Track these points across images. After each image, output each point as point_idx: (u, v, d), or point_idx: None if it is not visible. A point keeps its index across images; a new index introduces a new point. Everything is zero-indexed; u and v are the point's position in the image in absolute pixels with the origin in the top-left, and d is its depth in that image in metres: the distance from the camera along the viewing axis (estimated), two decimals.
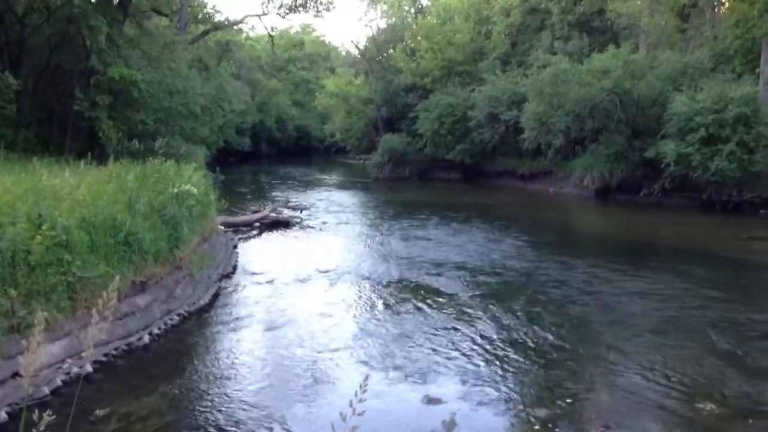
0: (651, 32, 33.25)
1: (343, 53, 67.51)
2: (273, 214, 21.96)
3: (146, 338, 9.37)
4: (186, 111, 21.37)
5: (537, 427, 6.97)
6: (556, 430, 6.92)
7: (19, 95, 17.93)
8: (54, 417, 2.18)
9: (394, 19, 53.85)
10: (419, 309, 11.59)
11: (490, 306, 11.73)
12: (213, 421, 7.07)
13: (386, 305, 11.93)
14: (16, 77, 17.40)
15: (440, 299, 12.24)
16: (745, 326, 10.72)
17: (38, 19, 19.88)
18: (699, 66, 28.20)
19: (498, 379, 8.29)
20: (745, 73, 26.83)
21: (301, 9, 33.25)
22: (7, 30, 19.34)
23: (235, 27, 38.12)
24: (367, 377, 2.33)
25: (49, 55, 19.80)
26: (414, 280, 13.85)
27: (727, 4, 32.62)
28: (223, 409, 7.37)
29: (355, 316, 11.19)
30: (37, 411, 2.29)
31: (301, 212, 24.49)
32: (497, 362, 8.86)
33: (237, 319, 10.95)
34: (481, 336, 10.01)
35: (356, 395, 2.23)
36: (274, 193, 32.11)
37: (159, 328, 9.83)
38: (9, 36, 19.38)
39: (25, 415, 2.17)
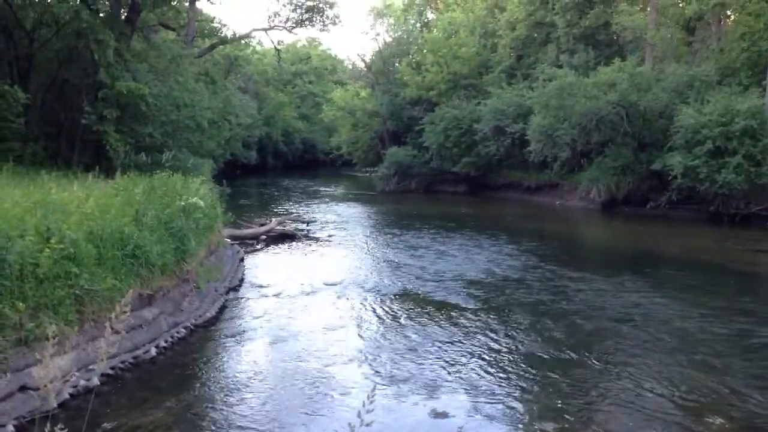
0: (657, 45, 33.28)
1: (350, 67, 67.69)
2: (279, 227, 22.00)
3: (153, 351, 9.36)
4: (193, 124, 21.48)
5: None
6: None
7: (28, 109, 18.05)
8: (65, 430, 2.18)
9: (399, 33, 54.07)
10: (425, 322, 11.57)
11: (497, 319, 11.70)
12: None
13: (392, 318, 11.90)
14: (24, 91, 17.52)
15: (446, 312, 12.21)
16: (754, 340, 10.66)
17: (47, 34, 20.02)
18: (705, 79, 28.19)
19: (505, 392, 8.25)
20: (751, 86, 26.80)
21: (307, 23, 33.48)
22: (16, 44, 19.49)
23: (242, 41, 38.34)
24: (374, 388, 2.32)
25: (57, 69, 19.93)
26: (420, 293, 13.84)
27: (733, 17, 32.65)
28: (229, 422, 7.36)
29: (361, 329, 11.17)
30: (48, 425, 2.29)
31: (307, 225, 24.52)
32: (504, 375, 8.83)
33: (244, 332, 10.95)
34: (488, 349, 9.98)
35: (364, 405, 2.22)
36: (280, 206, 32.18)
37: (166, 341, 9.84)
38: (18, 50, 19.52)
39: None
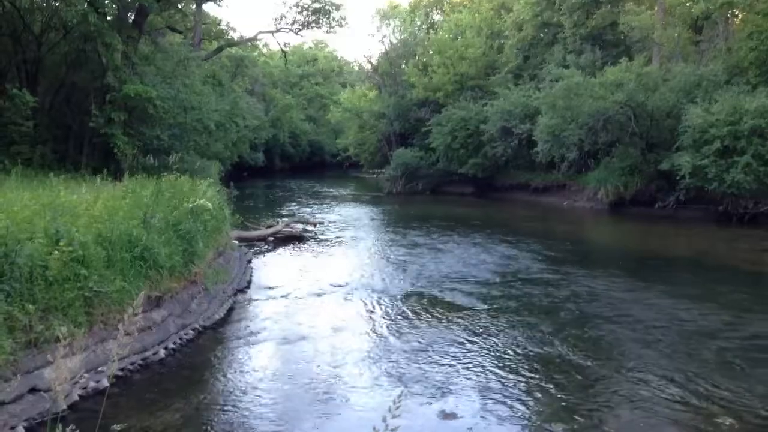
0: (664, 45, 33.19)
1: (356, 68, 67.79)
2: (287, 229, 22.01)
3: (162, 353, 9.39)
4: (200, 126, 21.52)
5: None
6: None
7: (36, 112, 18.14)
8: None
9: (406, 35, 54.09)
10: (434, 323, 11.56)
11: (506, 320, 11.68)
12: None
13: (401, 319, 11.89)
14: (33, 94, 17.61)
15: (455, 313, 12.19)
16: (764, 341, 10.60)
17: (55, 38, 20.12)
18: (713, 78, 28.08)
19: (515, 394, 8.23)
20: (759, 85, 26.66)
21: (313, 25, 33.55)
22: (24, 48, 19.59)
23: (249, 44, 38.44)
24: (401, 394, 2.30)
25: (65, 73, 20.02)
26: (428, 294, 13.82)
27: (740, 16, 32.52)
28: (239, 424, 7.36)
29: (369, 331, 11.16)
30: (60, 426, 2.29)
31: (314, 226, 24.53)
32: (514, 377, 8.81)
33: (252, 333, 10.96)
34: (497, 350, 9.96)
35: (390, 411, 2.20)
36: (287, 208, 32.22)
37: (174, 343, 9.86)
38: (26, 54, 19.63)
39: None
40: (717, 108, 24.94)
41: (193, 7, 29.05)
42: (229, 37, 35.39)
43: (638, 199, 29.14)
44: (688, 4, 36.27)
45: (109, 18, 20.33)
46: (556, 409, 7.80)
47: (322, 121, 70.50)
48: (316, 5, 32.77)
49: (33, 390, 7.03)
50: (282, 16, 33.38)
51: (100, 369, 8.04)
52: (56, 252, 7.79)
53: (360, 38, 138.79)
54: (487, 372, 8.98)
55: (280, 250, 19.96)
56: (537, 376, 8.86)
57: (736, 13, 32.70)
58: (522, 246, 20.12)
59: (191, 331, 10.52)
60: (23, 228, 7.93)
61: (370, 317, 12.07)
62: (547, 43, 42.11)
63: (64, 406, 7.20)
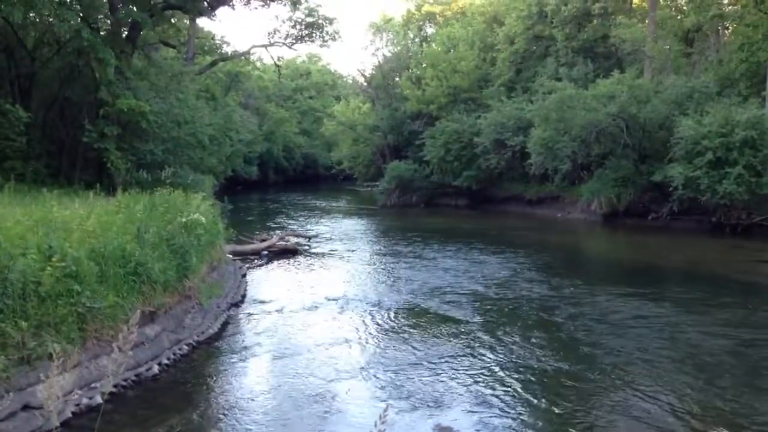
0: (655, 57, 33.37)
1: (350, 81, 67.96)
2: (281, 242, 21.97)
3: (155, 368, 9.33)
4: (194, 141, 21.51)
5: None
6: None
7: (29, 127, 18.10)
8: None
9: (399, 48, 54.28)
10: (428, 336, 11.53)
11: (500, 333, 11.66)
12: None
13: (395, 333, 11.87)
14: (26, 110, 17.59)
15: (449, 326, 12.17)
16: (757, 352, 10.62)
17: (48, 53, 20.14)
18: (704, 90, 28.24)
19: (509, 407, 8.21)
20: (750, 97, 26.87)
21: (307, 39, 33.66)
22: (17, 63, 19.60)
23: (243, 58, 38.58)
24: (386, 408, 2.29)
25: (58, 88, 20.01)
26: (423, 307, 13.80)
27: (731, 29, 32.77)
28: None
29: (364, 344, 11.13)
30: None
31: (309, 240, 24.50)
32: (508, 390, 8.78)
33: (246, 348, 10.91)
34: (492, 363, 9.94)
35: (376, 426, 2.19)
36: (281, 221, 32.17)
37: (168, 358, 9.80)
38: (19, 69, 19.63)
39: None
40: (709, 119, 25.09)
41: (187, 21, 29.09)
42: (222, 51, 35.48)
43: (632, 210, 29.22)
44: (679, 17, 36.63)
45: (102, 33, 20.37)
46: (551, 423, 7.79)
47: (316, 135, 70.53)
48: (310, 19, 32.90)
49: (26, 407, 6.97)
50: (275, 30, 33.52)
51: (93, 385, 7.98)
52: (49, 268, 7.75)
53: (353, 51, 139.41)
54: (482, 384, 8.95)
55: (275, 263, 19.92)
56: (532, 389, 8.84)
57: (727, 25, 32.96)
58: (515, 258, 20.13)
59: (185, 347, 10.46)
60: (16, 244, 7.89)
61: (365, 330, 12.04)
62: (539, 56, 42.28)
63: (57, 424, 7.11)
